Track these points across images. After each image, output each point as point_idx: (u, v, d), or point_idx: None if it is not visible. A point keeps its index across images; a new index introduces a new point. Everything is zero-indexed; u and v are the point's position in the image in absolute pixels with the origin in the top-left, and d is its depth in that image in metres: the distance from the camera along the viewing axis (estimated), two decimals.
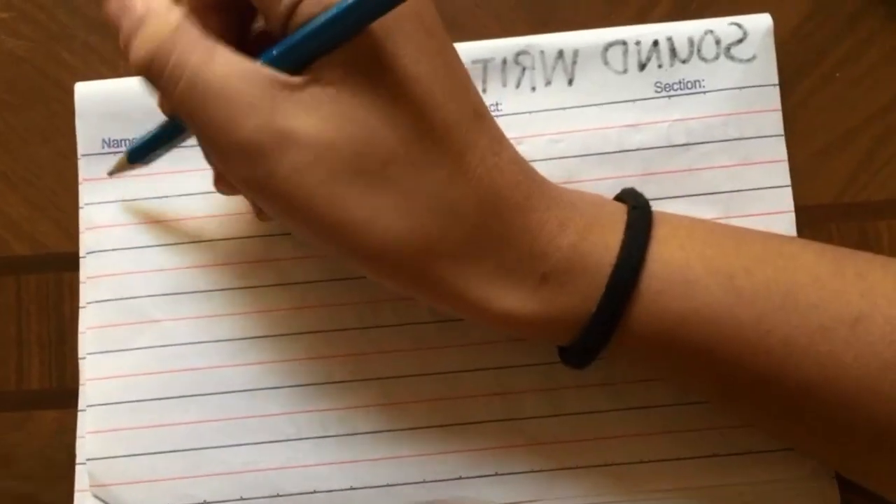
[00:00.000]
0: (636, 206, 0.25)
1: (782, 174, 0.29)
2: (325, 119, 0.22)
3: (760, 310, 0.24)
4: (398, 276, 0.24)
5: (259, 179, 0.23)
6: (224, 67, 0.22)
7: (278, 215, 0.24)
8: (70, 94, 0.31)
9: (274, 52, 0.22)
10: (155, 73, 0.22)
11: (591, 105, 0.30)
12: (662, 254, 0.24)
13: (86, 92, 0.30)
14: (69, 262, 0.31)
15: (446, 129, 0.23)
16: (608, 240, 0.24)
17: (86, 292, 0.30)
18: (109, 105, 0.30)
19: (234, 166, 0.23)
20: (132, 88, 0.30)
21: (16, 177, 0.31)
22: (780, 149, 0.30)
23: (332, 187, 0.22)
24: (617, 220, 0.25)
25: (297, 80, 0.22)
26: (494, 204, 0.24)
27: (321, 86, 0.22)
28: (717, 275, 0.24)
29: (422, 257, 0.24)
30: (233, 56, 0.22)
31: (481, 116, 0.24)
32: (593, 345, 0.25)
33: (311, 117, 0.22)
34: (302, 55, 0.22)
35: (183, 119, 0.24)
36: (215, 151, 0.23)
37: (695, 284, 0.24)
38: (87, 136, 0.30)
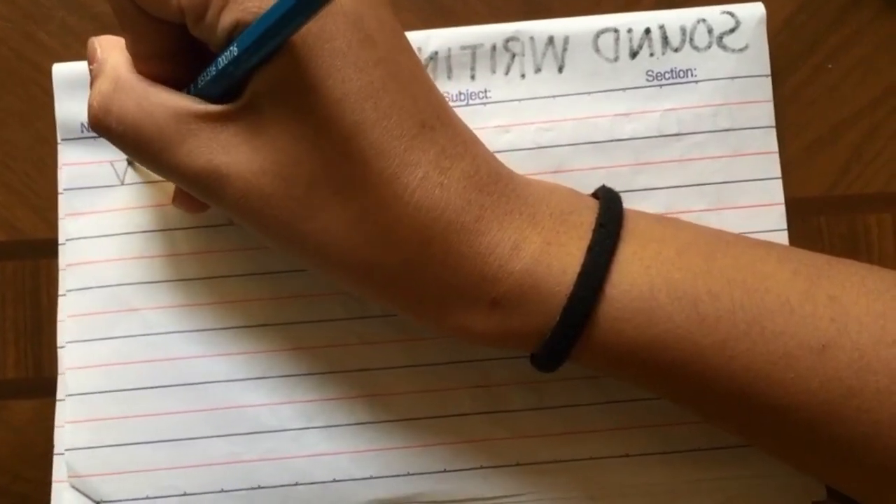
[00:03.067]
0: (603, 224, 0.24)
1: (773, 166, 0.29)
2: (253, 148, 0.22)
3: (724, 336, 0.23)
4: (354, 288, 0.25)
5: (214, 202, 0.24)
6: (158, 108, 0.23)
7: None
8: (48, 76, 0.30)
9: (199, 82, 0.23)
10: (103, 127, 0.24)
11: (581, 93, 0.29)
12: (624, 279, 0.23)
13: (64, 73, 0.30)
14: (46, 249, 0.30)
15: (379, 150, 0.22)
16: (566, 263, 0.23)
17: (65, 280, 0.29)
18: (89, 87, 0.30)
19: (192, 193, 0.24)
20: None
21: None
22: (771, 140, 0.29)
23: (270, 210, 0.23)
24: (580, 237, 0.24)
25: (225, 109, 0.23)
26: (433, 229, 0.23)
27: (248, 112, 0.22)
28: (681, 300, 0.23)
29: (361, 278, 0.24)
30: (167, 96, 0.23)
31: (430, 128, 0.23)
32: (552, 360, 0.24)
33: (238, 149, 0.22)
34: (224, 81, 0.22)
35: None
36: (171, 180, 0.25)
37: (656, 311, 0.23)
38: (65, 119, 0.30)
